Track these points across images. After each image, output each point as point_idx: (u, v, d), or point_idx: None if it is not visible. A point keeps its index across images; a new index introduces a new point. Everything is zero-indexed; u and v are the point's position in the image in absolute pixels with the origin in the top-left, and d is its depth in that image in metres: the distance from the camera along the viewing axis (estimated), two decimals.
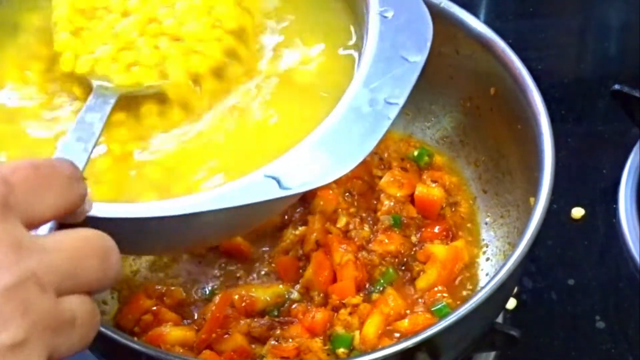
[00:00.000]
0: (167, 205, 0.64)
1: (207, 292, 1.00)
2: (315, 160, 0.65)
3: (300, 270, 0.99)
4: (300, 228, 1.02)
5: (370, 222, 1.03)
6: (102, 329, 0.81)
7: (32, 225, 0.54)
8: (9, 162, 0.58)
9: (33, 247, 0.51)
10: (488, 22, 1.02)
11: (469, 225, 1.04)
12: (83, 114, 0.71)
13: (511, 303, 1.08)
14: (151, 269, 1.02)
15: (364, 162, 1.06)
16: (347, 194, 1.05)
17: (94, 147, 0.67)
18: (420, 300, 0.98)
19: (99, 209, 0.61)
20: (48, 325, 0.51)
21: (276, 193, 0.62)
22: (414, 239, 1.03)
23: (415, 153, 1.09)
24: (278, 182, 0.63)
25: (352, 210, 1.04)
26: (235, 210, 0.62)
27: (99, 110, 0.71)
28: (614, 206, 1.15)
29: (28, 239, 0.52)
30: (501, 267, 0.83)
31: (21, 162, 0.54)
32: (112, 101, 0.72)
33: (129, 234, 0.64)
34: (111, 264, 0.55)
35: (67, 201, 0.55)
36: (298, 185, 0.63)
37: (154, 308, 0.97)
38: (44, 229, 0.55)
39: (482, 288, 0.82)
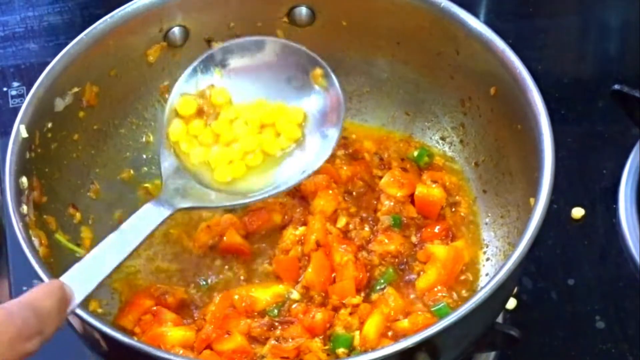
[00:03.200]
0: None
1: (204, 284, 1.00)
2: None
3: (300, 270, 0.99)
4: (300, 228, 1.02)
5: (370, 222, 1.03)
6: (103, 329, 0.81)
7: None
8: None
9: None
10: (488, 22, 1.02)
11: (469, 225, 1.04)
12: (131, 221, 0.84)
13: (511, 303, 1.08)
14: (152, 269, 1.02)
15: (364, 162, 1.08)
16: (347, 194, 1.05)
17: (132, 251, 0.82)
18: (420, 300, 0.98)
19: None
20: None
21: None
22: (414, 239, 1.03)
23: (415, 153, 1.09)
24: None
25: (352, 210, 1.04)
26: None
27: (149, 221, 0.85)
28: (614, 206, 1.15)
29: None
30: (501, 267, 0.83)
31: None
32: (167, 214, 0.86)
33: None
34: None
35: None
36: None
37: (154, 308, 0.97)
38: None
39: (482, 288, 0.82)
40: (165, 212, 0.87)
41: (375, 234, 1.02)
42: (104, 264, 0.80)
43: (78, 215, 1.02)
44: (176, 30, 1.05)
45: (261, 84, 0.96)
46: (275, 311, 0.97)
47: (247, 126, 0.94)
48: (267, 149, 0.94)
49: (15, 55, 1.36)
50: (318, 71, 0.95)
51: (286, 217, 1.04)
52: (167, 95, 1.08)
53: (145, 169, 1.08)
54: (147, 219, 0.85)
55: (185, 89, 0.95)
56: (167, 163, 0.93)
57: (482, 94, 1.03)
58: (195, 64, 0.96)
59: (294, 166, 0.93)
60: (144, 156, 1.10)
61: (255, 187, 0.93)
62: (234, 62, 0.96)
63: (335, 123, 0.94)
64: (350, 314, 0.96)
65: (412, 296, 0.99)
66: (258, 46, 0.96)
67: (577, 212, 1.16)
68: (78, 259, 1.00)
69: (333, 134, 0.93)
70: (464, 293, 0.99)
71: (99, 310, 0.98)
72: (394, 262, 1.01)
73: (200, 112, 0.95)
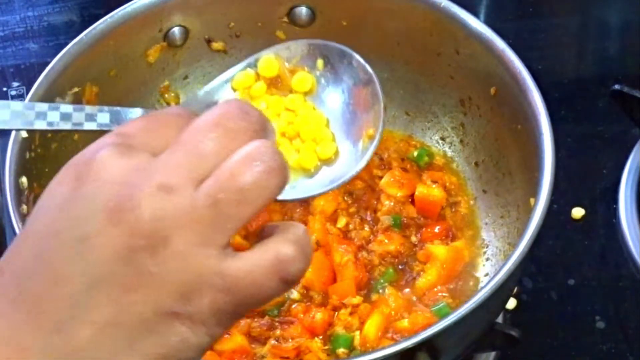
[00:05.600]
0: None
1: None
2: None
3: None
4: None
5: (370, 222, 1.03)
6: None
7: None
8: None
9: None
10: (488, 22, 1.02)
11: (469, 225, 1.04)
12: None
13: (511, 303, 1.08)
14: None
15: None
16: (347, 194, 1.05)
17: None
18: (420, 300, 0.98)
19: None
20: None
21: None
22: (414, 239, 1.03)
23: (415, 153, 1.09)
24: None
25: (352, 210, 1.04)
26: None
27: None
28: (614, 206, 1.15)
29: None
30: (501, 267, 0.83)
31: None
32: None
33: None
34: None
35: None
36: None
37: None
38: None
39: (482, 288, 0.82)
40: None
41: (375, 234, 1.02)
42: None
43: None
44: (176, 30, 1.05)
45: (339, 102, 0.82)
46: (275, 311, 0.97)
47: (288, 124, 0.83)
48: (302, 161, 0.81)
49: (15, 55, 1.36)
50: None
51: (286, 217, 1.04)
52: (167, 95, 1.08)
53: None
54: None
55: (285, 54, 0.81)
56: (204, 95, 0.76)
57: (482, 94, 1.03)
58: (313, 41, 0.81)
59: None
60: None
61: None
62: (341, 67, 0.82)
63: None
64: (350, 314, 0.96)
65: (412, 296, 0.99)
66: (363, 70, 0.82)
67: (577, 212, 1.15)
68: None
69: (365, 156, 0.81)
70: (464, 293, 0.99)
71: None
72: (394, 262, 1.01)
73: (274, 81, 0.81)
